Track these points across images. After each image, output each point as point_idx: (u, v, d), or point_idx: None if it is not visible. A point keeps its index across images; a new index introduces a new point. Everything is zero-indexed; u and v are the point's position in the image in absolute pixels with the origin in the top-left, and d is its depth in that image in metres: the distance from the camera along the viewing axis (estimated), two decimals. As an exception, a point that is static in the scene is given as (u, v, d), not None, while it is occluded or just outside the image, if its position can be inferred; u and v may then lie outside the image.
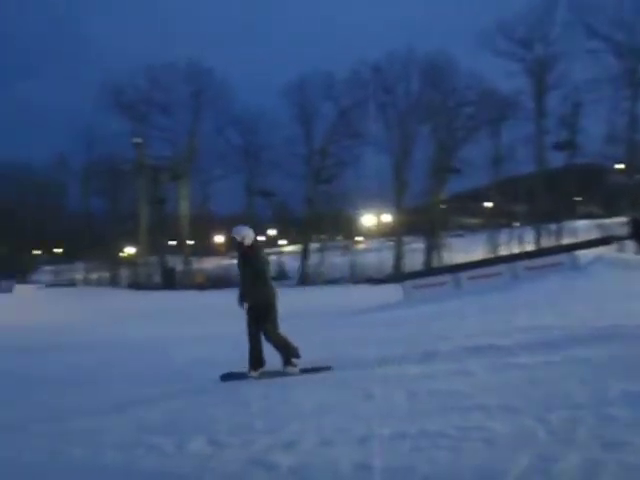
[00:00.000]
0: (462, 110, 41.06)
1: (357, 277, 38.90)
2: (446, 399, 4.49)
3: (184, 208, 42.78)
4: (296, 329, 12.48)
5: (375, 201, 42.45)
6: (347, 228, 45.89)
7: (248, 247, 6.33)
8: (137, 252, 46.22)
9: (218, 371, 7.07)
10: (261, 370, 6.30)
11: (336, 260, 42.44)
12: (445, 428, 3.67)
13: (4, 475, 3.63)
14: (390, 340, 8.26)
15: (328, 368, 6.17)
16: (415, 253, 40.52)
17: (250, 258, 6.30)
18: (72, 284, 47.60)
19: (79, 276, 50.65)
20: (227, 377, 6.34)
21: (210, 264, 47.99)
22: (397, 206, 41.35)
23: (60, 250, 54.81)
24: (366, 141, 41.31)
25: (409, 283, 17.10)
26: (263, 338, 6.35)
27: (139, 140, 42.23)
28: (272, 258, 47.43)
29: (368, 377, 5.73)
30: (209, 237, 50.11)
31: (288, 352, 6.21)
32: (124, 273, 47.79)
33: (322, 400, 4.98)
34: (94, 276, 49.65)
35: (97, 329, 15.63)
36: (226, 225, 52.13)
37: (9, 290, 38.47)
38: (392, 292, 18.56)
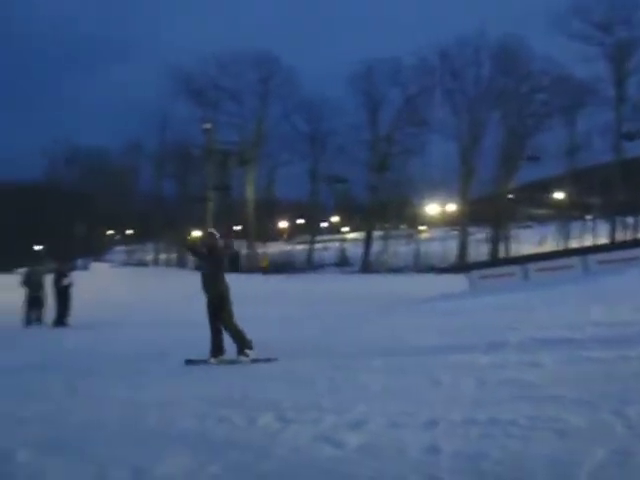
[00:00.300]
0: (535, 96, 39.52)
1: (420, 266, 38.44)
2: (517, 389, 4.42)
3: (250, 193, 43.48)
4: (358, 315, 12.57)
5: (440, 190, 41.70)
6: (411, 217, 45.34)
7: (217, 245, 7.16)
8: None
9: (282, 352, 7.24)
10: (220, 358, 6.85)
11: (399, 248, 42.07)
12: (516, 417, 3.62)
13: (87, 436, 3.87)
14: (456, 329, 8.15)
15: (275, 359, 6.59)
16: (480, 243, 39.65)
17: (217, 255, 7.11)
18: (143, 264, 49.56)
19: (149, 257, 52.70)
20: (190, 362, 6.82)
21: (274, 249, 48.73)
22: (463, 195, 40.46)
23: (132, 231, 57.20)
24: (433, 128, 40.56)
25: (475, 273, 16.75)
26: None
27: (208, 126, 43.11)
28: (334, 245, 48.00)
29: (434, 364, 5.70)
30: (273, 222, 50.84)
31: (243, 343, 6.74)
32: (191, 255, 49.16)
33: (388, 384, 5.00)
34: (163, 257, 51.43)
35: (168, 307, 16.21)
36: (290, 211, 52.82)
37: (86, 268, 40.67)
38: (456, 282, 18.28)
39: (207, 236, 7.20)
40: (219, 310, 6.97)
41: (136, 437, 3.83)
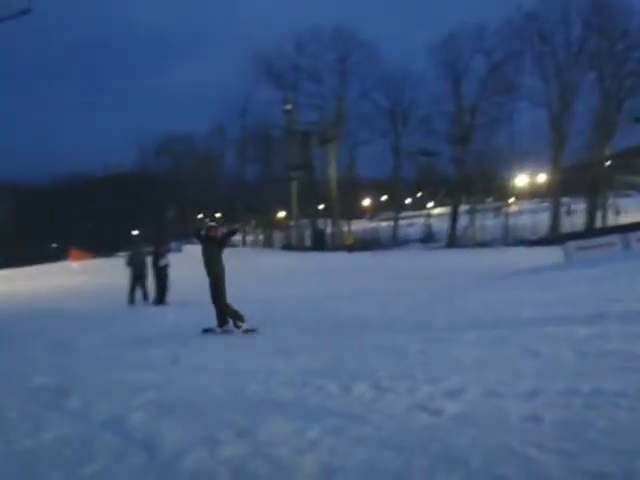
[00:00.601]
0: (632, 55, 36.64)
1: (509, 239, 37.15)
2: (621, 360, 4.21)
3: (332, 172, 43.63)
4: (449, 289, 12.38)
5: (529, 160, 39.83)
6: (499, 189, 43.73)
7: (217, 235, 8.17)
8: (288, 215, 48.29)
9: (369, 327, 7.32)
10: (224, 327, 7.97)
11: (487, 222, 40.88)
12: (624, 388, 3.47)
13: (194, 402, 4.11)
14: (552, 301, 7.85)
15: (257, 330, 7.67)
16: (574, 214, 37.72)
17: (219, 243, 8.10)
18: (232, 245, 51.19)
19: (236, 238, 54.39)
20: (205, 331, 8.01)
21: (357, 226, 48.83)
22: (555, 164, 38.46)
23: (220, 215, 59.19)
24: (520, 96, 38.73)
25: (571, 244, 15.92)
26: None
27: (289, 107, 43.56)
28: (419, 221, 47.30)
29: (530, 336, 5.54)
30: (357, 200, 50.83)
31: (237, 318, 7.85)
32: (277, 235, 50.37)
33: (482, 356, 4.92)
34: (250, 238, 53.00)
35: (256, 285, 16.69)
36: (373, 188, 52.55)
37: (179, 250, 42.62)
38: (549, 254, 17.52)
39: (209, 228, 8.21)
40: (218, 290, 8.01)
41: (239, 403, 4.02)
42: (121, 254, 40.42)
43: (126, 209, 52.20)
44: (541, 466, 2.57)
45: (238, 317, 7.84)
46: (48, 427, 3.67)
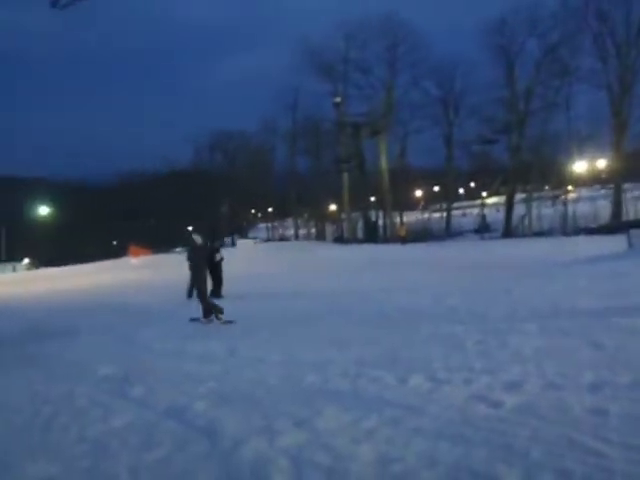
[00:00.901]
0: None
1: (568, 228, 35.89)
2: (693, 351, 4.03)
3: (383, 163, 43.24)
4: (507, 279, 12.10)
5: (588, 146, 38.23)
6: (556, 177, 42.23)
7: (200, 245, 10.05)
8: (340, 208, 48.24)
9: (424, 318, 7.24)
10: (209, 318, 9.07)
11: (544, 211, 39.64)
12: (696, 380, 3.32)
13: (252, 392, 4.20)
14: (617, 291, 7.57)
15: (234, 321, 8.67)
16: (637, 201, 36.05)
17: (200, 251, 9.95)
18: (284, 239, 51.81)
19: (289, 232, 54.94)
20: (192, 320, 9.17)
21: (410, 217, 48.34)
22: (616, 149, 36.79)
23: (272, 209, 59.92)
24: (578, 78, 37.17)
25: (635, 232, 15.24)
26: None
27: (338, 99, 43.38)
28: (473, 211, 46.23)
29: (593, 327, 5.37)
30: (409, 191, 50.29)
31: (216, 310, 9.07)
32: (329, 228, 50.48)
33: (543, 347, 4.81)
34: (302, 231, 53.38)
35: (314, 279, 16.78)
36: (426, 179, 51.85)
37: (233, 244, 43.43)
38: (611, 243, 16.86)
39: (194, 241, 9.94)
40: (199, 288, 9.45)
41: (295, 393, 4.08)
42: (177, 250, 41.65)
43: (181, 205, 53.45)
44: (606, 460, 2.49)
45: (217, 310, 9.04)
46: (115, 414, 3.84)
